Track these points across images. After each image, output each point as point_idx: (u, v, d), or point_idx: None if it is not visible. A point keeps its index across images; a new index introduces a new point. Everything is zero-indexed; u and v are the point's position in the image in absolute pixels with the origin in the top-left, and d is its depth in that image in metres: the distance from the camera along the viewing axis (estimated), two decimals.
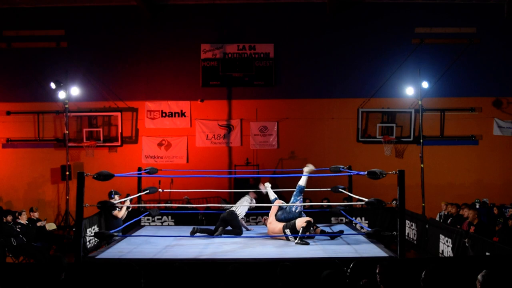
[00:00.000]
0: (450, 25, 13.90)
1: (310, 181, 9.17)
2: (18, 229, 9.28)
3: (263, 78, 13.86)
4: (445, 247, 7.87)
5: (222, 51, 13.93)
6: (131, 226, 9.21)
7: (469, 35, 13.81)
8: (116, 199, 8.87)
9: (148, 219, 10.18)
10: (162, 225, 10.21)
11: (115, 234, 8.03)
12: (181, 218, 10.25)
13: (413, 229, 9.62)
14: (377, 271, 4.11)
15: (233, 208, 8.72)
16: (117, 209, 8.72)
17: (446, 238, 7.86)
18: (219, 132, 13.93)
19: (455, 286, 4.23)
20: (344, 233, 8.45)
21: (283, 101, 13.96)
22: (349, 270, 4.47)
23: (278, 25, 14.02)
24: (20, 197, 13.68)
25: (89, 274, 5.61)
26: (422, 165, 12.51)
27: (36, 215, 10.25)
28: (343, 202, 10.42)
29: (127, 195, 10.16)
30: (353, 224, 9.82)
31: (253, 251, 7.31)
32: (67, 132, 12.73)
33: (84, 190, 6.81)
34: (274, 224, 8.34)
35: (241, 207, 8.74)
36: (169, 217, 10.29)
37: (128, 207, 9.22)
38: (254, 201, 9.00)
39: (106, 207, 7.76)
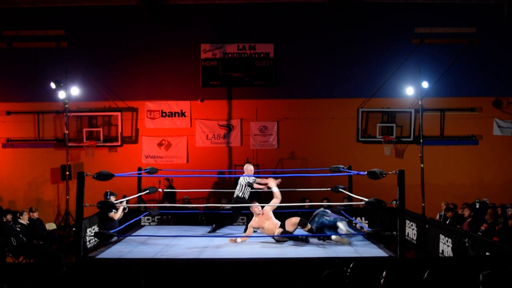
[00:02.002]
0: (450, 25, 13.89)
1: (310, 181, 9.17)
2: (18, 229, 9.28)
3: (263, 78, 13.85)
4: (445, 247, 7.88)
5: (222, 51, 13.92)
6: (131, 226, 9.21)
7: (469, 35, 13.80)
8: (112, 200, 8.84)
9: (148, 219, 10.18)
10: (162, 225, 10.20)
11: (115, 234, 8.03)
12: (181, 218, 10.24)
13: (413, 229, 9.61)
14: (383, 275, 4.06)
15: (239, 194, 8.66)
16: (114, 211, 8.70)
17: (446, 238, 7.87)
18: (219, 132, 13.92)
19: (455, 286, 4.22)
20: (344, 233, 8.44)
21: (283, 101, 13.95)
22: (349, 270, 4.46)
23: (278, 25, 14.01)
24: (20, 197, 13.67)
25: (89, 274, 5.61)
26: (422, 165, 12.50)
27: (35, 215, 10.24)
28: (343, 202, 10.42)
29: (124, 196, 10.10)
30: (353, 224, 9.82)
31: (253, 251, 7.31)
32: (67, 132, 12.72)
33: (84, 190, 6.81)
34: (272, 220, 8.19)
35: (245, 188, 8.67)
36: (169, 217, 10.28)
37: (124, 209, 9.16)
38: (252, 178, 8.78)
39: (106, 207, 7.78)
